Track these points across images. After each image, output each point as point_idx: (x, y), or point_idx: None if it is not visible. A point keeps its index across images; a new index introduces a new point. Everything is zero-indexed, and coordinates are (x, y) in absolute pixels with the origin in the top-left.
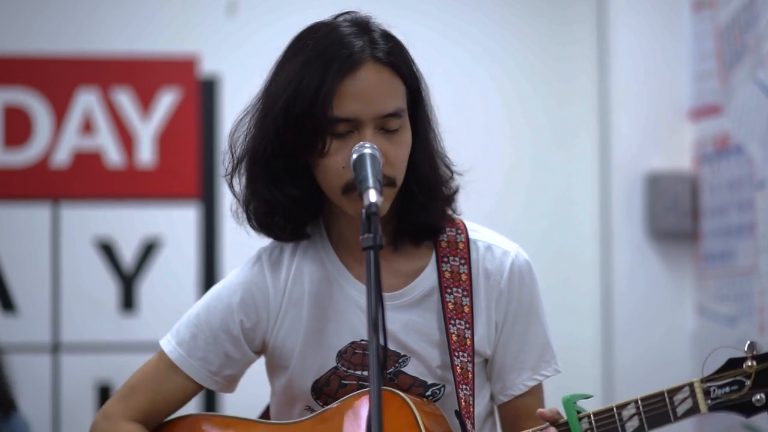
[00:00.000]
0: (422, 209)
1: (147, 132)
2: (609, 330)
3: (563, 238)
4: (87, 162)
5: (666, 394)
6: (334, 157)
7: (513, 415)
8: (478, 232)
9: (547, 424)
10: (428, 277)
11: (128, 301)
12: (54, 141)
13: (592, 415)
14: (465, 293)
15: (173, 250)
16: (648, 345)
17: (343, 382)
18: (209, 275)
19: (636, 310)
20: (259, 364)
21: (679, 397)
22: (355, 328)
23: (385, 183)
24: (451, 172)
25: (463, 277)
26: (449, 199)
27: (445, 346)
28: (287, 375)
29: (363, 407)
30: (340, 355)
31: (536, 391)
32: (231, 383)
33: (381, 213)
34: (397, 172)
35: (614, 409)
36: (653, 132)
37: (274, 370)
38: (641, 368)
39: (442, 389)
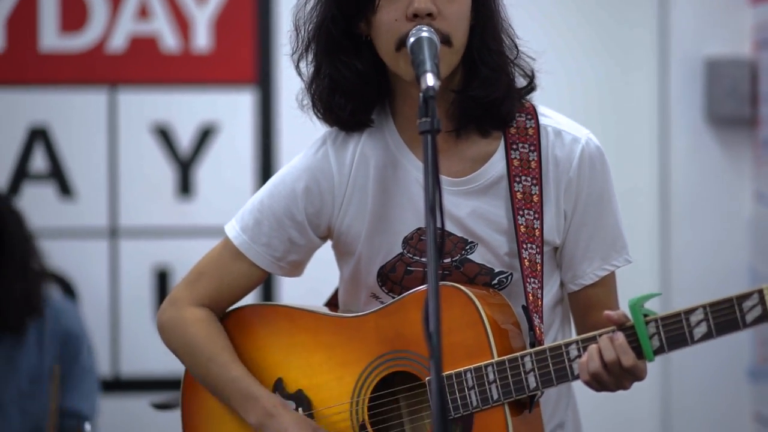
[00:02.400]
0: (486, 83)
1: (203, 16)
2: (666, 216)
3: (621, 124)
4: (143, 47)
5: (735, 301)
6: (386, 9)
7: (584, 304)
8: (549, 117)
9: (614, 327)
10: (496, 164)
11: (185, 186)
12: (110, 26)
13: (659, 320)
14: (534, 181)
15: (230, 136)
16: (705, 231)
17: (408, 268)
18: (266, 161)
19: (694, 196)
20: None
21: (748, 303)
22: (421, 213)
23: (441, 41)
24: (517, 48)
25: (533, 164)
26: (523, 89)
27: (513, 236)
28: (353, 261)
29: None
30: (406, 241)
31: (607, 282)
32: (296, 268)
33: (442, 74)
34: (452, 29)
35: (681, 314)
36: (712, 17)
37: (340, 255)
38: (698, 254)
39: (509, 277)
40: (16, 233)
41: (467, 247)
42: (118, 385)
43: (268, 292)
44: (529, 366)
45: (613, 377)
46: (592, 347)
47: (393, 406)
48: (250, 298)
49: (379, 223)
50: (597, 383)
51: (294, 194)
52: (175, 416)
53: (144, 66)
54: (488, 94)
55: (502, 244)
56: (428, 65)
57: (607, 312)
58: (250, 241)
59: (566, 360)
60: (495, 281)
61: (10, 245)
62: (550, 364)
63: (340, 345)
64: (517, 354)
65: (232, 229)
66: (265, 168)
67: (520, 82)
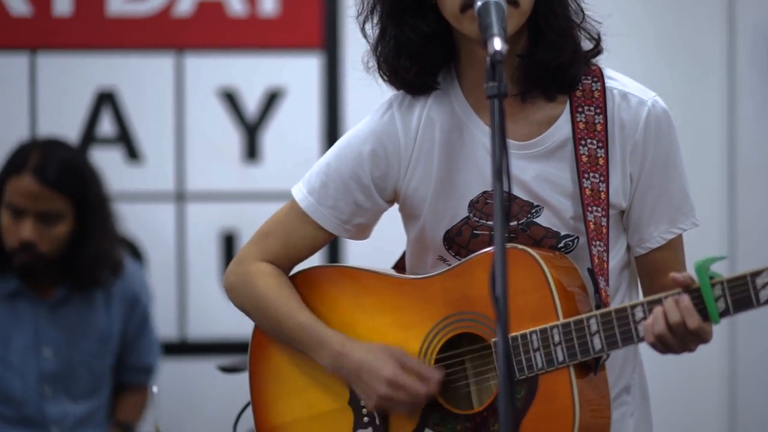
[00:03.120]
0: (550, 47)
1: None
2: (733, 180)
3: (688, 87)
4: (210, 11)
5: None
6: None
7: (651, 268)
8: (615, 80)
9: (680, 289)
10: (562, 128)
11: (251, 151)
12: None
13: (725, 282)
14: (600, 144)
15: (296, 100)
16: None
17: (474, 232)
18: (331, 125)
19: (761, 159)
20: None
21: None
22: (487, 177)
23: (508, 1)
24: (583, 12)
25: (598, 127)
26: (589, 52)
27: (578, 199)
28: (419, 224)
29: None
30: (472, 204)
31: (674, 245)
32: (363, 231)
33: (508, 33)
34: None
35: (747, 277)
36: None
37: (407, 219)
38: (765, 218)
39: (575, 240)
40: (98, 193)
41: (533, 211)
42: (185, 348)
43: (334, 255)
44: (594, 328)
45: (678, 339)
46: (657, 309)
47: (458, 367)
48: (316, 260)
49: (445, 186)
50: (662, 345)
51: (360, 157)
52: (242, 379)
53: (210, 30)
54: (554, 59)
55: (567, 208)
56: (495, 29)
57: (672, 274)
58: (316, 203)
59: (631, 322)
60: (561, 245)
61: (92, 205)
62: (616, 326)
63: (407, 307)
64: (583, 316)
65: (299, 192)
66: (331, 132)
67: (586, 45)
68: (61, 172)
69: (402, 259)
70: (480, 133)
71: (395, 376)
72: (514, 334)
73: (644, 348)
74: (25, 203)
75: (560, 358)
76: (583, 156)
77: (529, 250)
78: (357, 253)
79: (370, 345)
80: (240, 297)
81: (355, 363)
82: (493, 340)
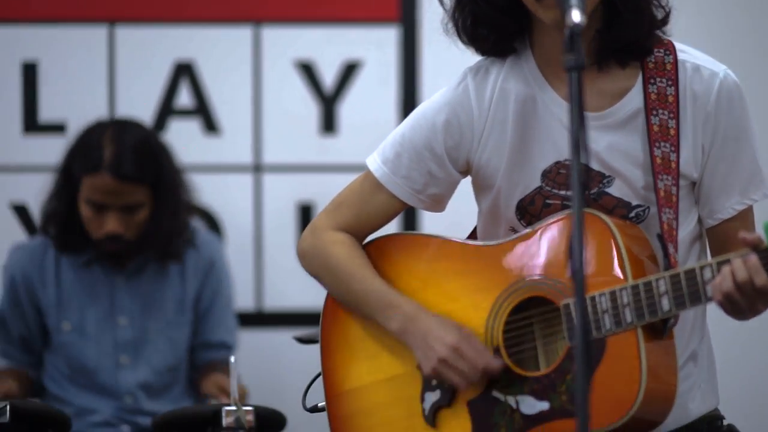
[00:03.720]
0: (627, 25)
1: None
2: None
3: (758, 60)
4: None
5: None
6: None
7: (721, 239)
8: (687, 53)
9: (749, 249)
10: (634, 98)
11: (329, 123)
12: None
13: None
14: (671, 115)
15: (373, 72)
16: None
17: (547, 201)
18: (408, 97)
19: None
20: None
21: None
22: (560, 147)
23: None
24: None
25: (670, 98)
26: (659, 21)
27: (649, 169)
28: (492, 195)
29: (565, 229)
30: (545, 174)
31: (745, 216)
32: (437, 202)
33: (587, 10)
34: None
35: None
36: None
37: (479, 190)
38: None
39: (646, 211)
40: (171, 170)
41: (605, 181)
42: (261, 319)
43: (409, 228)
44: (663, 288)
45: (746, 298)
46: (726, 268)
47: (527, 330)
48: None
49: (518, 157)
50: (730, 304)
51: (434, 127)
52: (317, 350)
53: (288, 2)
54: (628, 35)
55: (638, 178)
56: (574, 0)
57: (741, 233)
58: (390, 173)
59: (700, 282)
60: (632, 214)
61: (167, 182)
62: (684, 286)
63: (477, 272)
64: (651, 277)
65: (373, 162)
66: (407, 104)
67: (658, 16)
68: (137, 162)
69: (473, 234)
70: (553, 104)
71: (459, 344)
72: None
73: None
74: (105, 199)
75: (628, 320)
76: (655, 126)
77: (601, 215)
78: (430, 229)
79: (440, 317)
80: (313, 263)
81: (423, 327)
82: (563, 302)
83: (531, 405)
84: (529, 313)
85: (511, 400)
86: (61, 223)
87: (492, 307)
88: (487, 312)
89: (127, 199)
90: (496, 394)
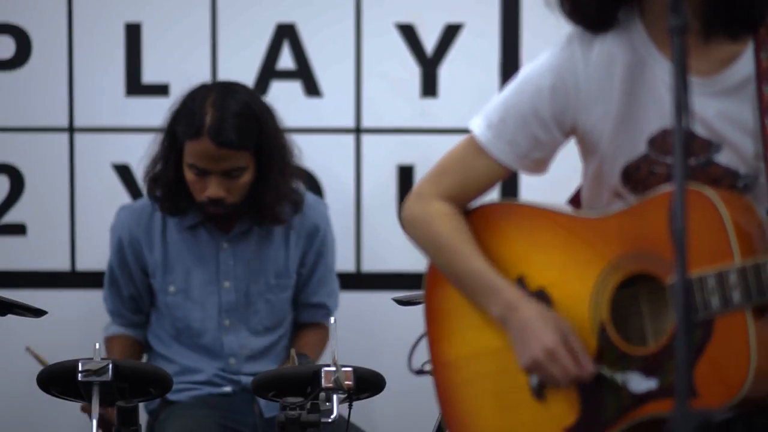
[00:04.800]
0: None
1: None
2: None
3: None
4: None
5: None
6: None
7: None
8: None
9: None
10: (744, 65)
11: (430, 86)
12: None
13: None
14: None
15: (475, 36)
16: None
17: (652, 169)
18: (510, 60)
19: None
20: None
21: None
22: (666, 113)
23: None
24: None
25: None
26: None
27: (759, 138)
28: (597, 159)
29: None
30: (651, 140)
31: None
32: (540, 166)
33: None
34: None
35: None
36: None
37: (584, 153)
38: None
39: (755, 180)
40: (274, 133)
41: (712, 149)
42: (360, 280)
43: (508, 188)
44: None
45: None
46: None
47: (633, 306)
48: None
49: (624, 122)
50: None
51: (539, 92)
52: (416, 312)
53: None
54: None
55: (747, 146)
56: None
57: None
58: (494, 138)
59: None
60: (740, 184)
61: (270, 146)
62: None
63: (582, 244)
64: (759, 261)
65: (477, 126)
66: (509, 68)
67: None
68: (239, 128)
69: (577, 194)
70: (660, 69)
71: (555, 347)
72: (690, 275)
73: None
74: (207, 165)
75: (736, 300)
76: (766, 94)
77: (706, 189)
78: (530, 186)
79: (541, 308)
80: (417, 234)
81: (522, 320)
82: (670, 281)
83: (639, 382)
84: (636, 289)
85: (618, 377)
86: (166, 186)
87: (597, 281)
88: (592, 285)
89: (228, 164)
90: (604, 370)
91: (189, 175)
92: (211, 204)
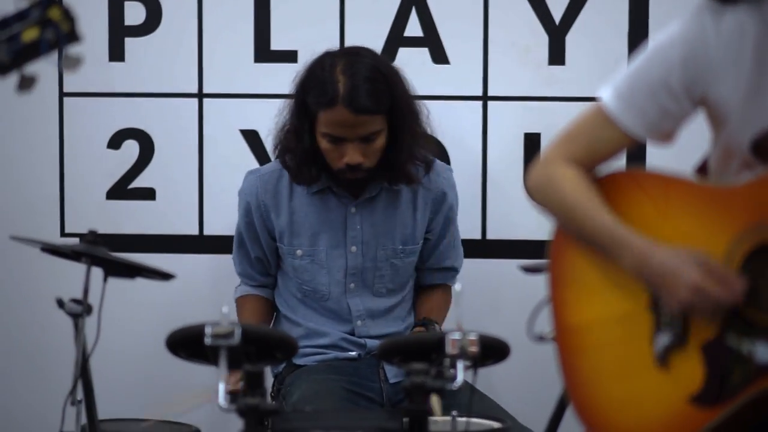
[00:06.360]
0: None
1: None
2: None
3: None
4: None
5: None
6: None
7: None
8: None
9: None
10: None
11: (557, 54)
12: None
13: None
14: None
15: (603, 3)
16: None
17: None
18: (637, 29)
19: None
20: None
21: None
22: None
23: None
24: None
25: None
26: None
27: None
28: (726, 129)
29: None
30: None
31: None
32: (668, 137)
33: None
34: None
35: None
36: None
37: (713, 124)
38: None
39: None
40: (404, 95)
41: None
42: (486, 247)
43: (634, 157)
44: None
45: None
46: None
47: (762, 278)
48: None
49: (755, 93)
50: None
51: (670, 63)
52: (541, 280)
53: None
54: None
55: None
56: None
57: None
58: (623, 107)
59: None
60: None
61: (401, 108)
62: None
63: (711, 213)
64: None
65: (606, 96)
66: (637, 37)
67: None
68: (371, 93)
69: (704, 163)
70: None
71: (699, 282)
72: None
73: None
74: (343, 133)
75: None
76: None
77: None
78: (656, 154)
79: (674, 249)
80: (543, 197)
81: (658, 266)
82: None
83: (765, 353)
84: (764, 259)
85: (745, 346)
86: (298, 155)
87: (725, 250)
88: (720, 254)
89: (364, 129)
90: (730, 338)
91: (324, 144)
92: (349, 170)
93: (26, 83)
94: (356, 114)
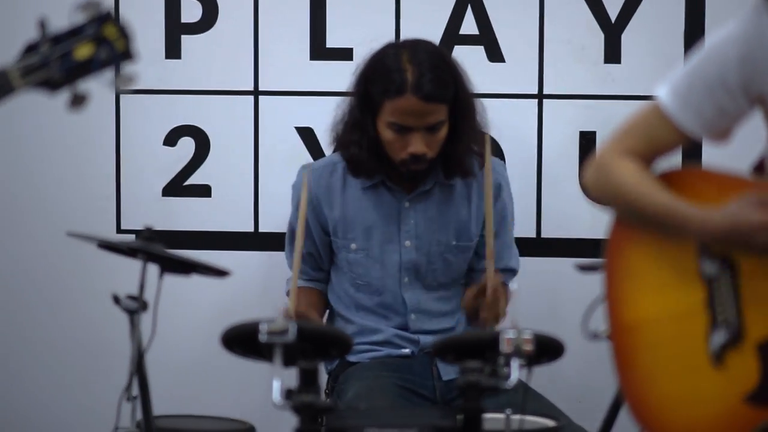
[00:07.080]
0: None
1: None
2: None
3: None
4: None
5: None
6: None
7: None
8: None
9: None
10: None
11: (613, 52)
12: None
13: None
14: None
15: (659, 2)
16: None
17: None
18: (694, 28)
19: None
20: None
21: None
22: None
23: None
24: None
25: None
26: None
27: None
28: None
29: None
30: None
31: None
32: (723, 135)
33: None
34: None
35: None
36: None
37: None
38: None
39: None
40: (465, 87)
41: None
42: (540, 245)
43: (690, 154)
44: None
45: None
46: None
47: None
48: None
49: None
50: None
51: (727, 61)
52: (596, 278)
53: None
54: None
55: None
56: None
57: None
58: (678, 105)
59: None
60: None
61: (462, 100)
62: None
63: None
64: None
65: (663, 94)
66: (693, 35)
67: None
68: (438, 82)
69: (761, 161)
70: None
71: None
72: None
73: None
74: (410, 122)
75: None
76: None
77: None
78: (712, 152)
79: (726, 207)
80: (601, 188)
81: (721, 230)
82: None
83: None
84: None
85: None
86: (361, 149)
87: None
88: None
89: (431, 118)
90: None
91: (388, 135)
92: (413, 161)
93: (78, 101)
94: (425, 102)
